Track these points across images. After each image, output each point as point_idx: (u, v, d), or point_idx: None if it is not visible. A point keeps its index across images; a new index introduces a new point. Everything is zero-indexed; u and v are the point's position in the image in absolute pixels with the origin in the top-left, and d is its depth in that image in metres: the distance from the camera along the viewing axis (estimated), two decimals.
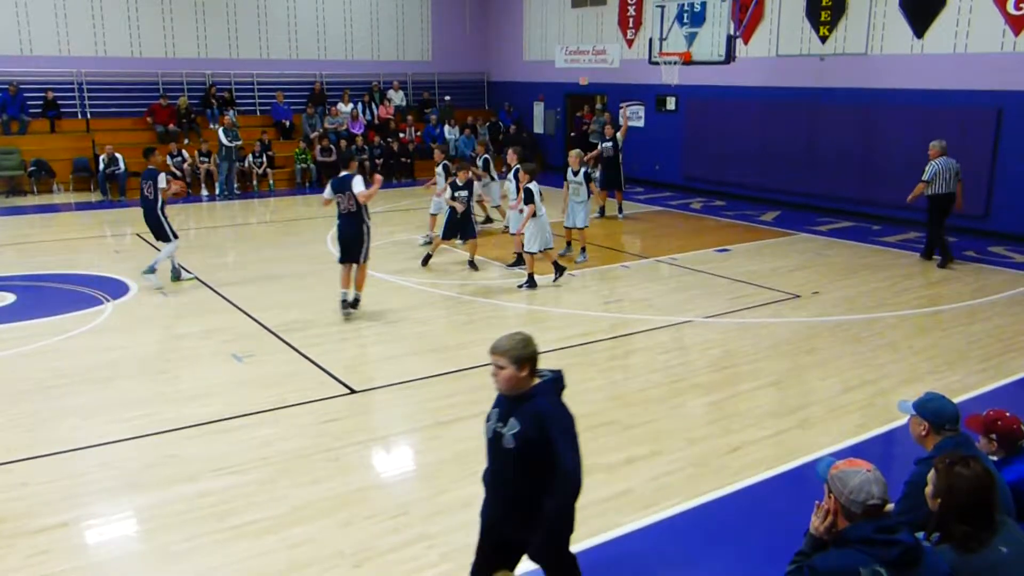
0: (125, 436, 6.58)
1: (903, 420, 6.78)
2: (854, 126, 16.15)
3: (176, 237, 11.39)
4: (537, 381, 3.96)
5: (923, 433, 4.06)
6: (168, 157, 18.99)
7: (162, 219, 11.19)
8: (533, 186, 10.99)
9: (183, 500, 5.59)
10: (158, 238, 11.41)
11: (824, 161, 16.75)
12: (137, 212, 17.02)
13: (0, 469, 6.03)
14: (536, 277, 11.25)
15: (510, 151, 13.40)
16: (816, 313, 10.08)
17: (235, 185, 19.55)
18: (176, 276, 11.44)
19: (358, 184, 9.70)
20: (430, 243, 13.16)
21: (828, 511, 3.19)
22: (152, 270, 11.06)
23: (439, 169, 13.96)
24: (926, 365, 8.30)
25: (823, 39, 16.72)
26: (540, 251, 11.18)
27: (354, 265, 9.89)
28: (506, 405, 3.98)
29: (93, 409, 7.15)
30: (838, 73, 16.46)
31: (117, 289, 10.95)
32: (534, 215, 10.96)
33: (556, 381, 3.99)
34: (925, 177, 12.51)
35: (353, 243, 9.82)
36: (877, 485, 3.10)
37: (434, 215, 13.85)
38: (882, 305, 10.53)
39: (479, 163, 15.07)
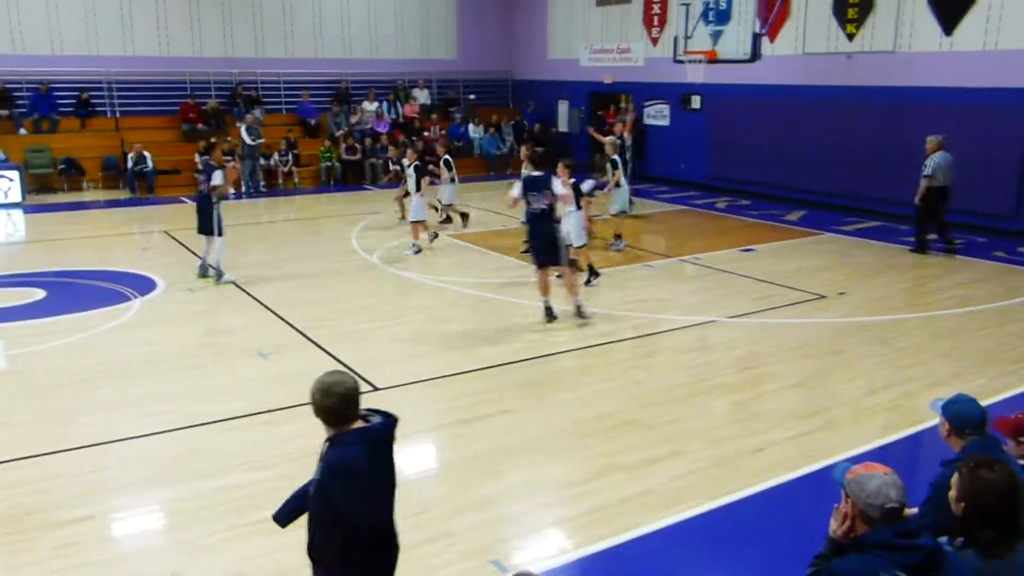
0: (151, 431, 6.66)
1: (929, 423, 6.73)
2: (881, 125, 15.98)
3: (223, 233, 11.33)
4: (354, 427, 3.46)
5: (945, 434, 4.05)
6: (196, 155, 19.17)
7: (215, 214, 11.14)
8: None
9: (208, 494, 5.65)
10: (206, 232, 11.30)
11: (850, 160, 16.59)
12: (165, 209, 17.39)
13: (29, 462, 6.13)
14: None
15: (522, 149, 13.19)
16: (842, 314, 9.99)
17: (261, 183, 19.71)
18: (204, 273, 11.53)
19: (559, 186, 9.36)
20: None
21: (846, 515, 3.17)
22: (220, 274, 11.25)
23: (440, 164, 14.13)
24: (954, 367, 8.20)
25: (850, 37, 16.56)
26: (582, 246, 11.14)
27: (552, 269, 9.43)
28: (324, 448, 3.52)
29: (120, 404, 7.24)
30: (865, 71, 16.30)
31: (144, 285, 11.08)
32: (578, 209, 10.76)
33: (372, 431, 3.47)
34: (928, 172, 12.76)
35: (550, 245, 9.34)
36: (895, 489, 3.07)
37: (417, 222, 13.21)
38: (910, 306, 10.42)
39: (440, 163, 15.06)
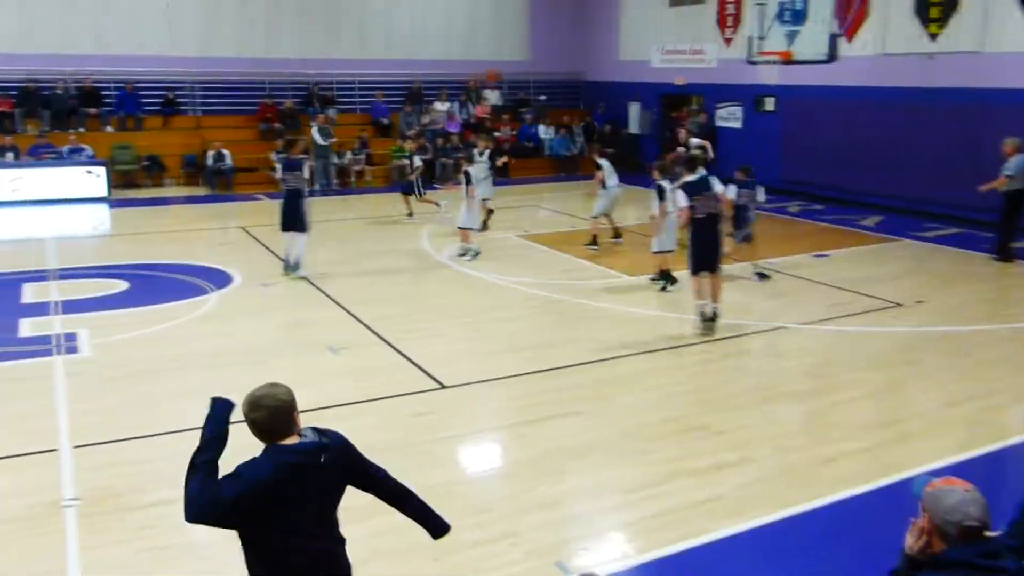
0: None
1: (1013, 440, 6.52)
2: (965, 127, 15.46)
3: (308, 230, 11.55)
4: (286, 442, 3.32)
5: None
6: (273, 153, 19.64)
7: (303, 209, 11.34)
8: (667, 183, 10.90)
9: None
10: (293, 228, 11.44)
11: (932, 164, 16.10)
12: (242, 205, 17.83)
13: (114, 446, 6.36)
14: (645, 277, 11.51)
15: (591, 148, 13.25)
16: (919, 323, 9.71)
17: (334, 181, 20.07)
18: (291, 269, 11.69)
19: (718, 185, 9.27)
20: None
21: (923, 530, 3.07)
22: (296, 267, 11.52)
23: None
24: None
25: (932, 36, 16.06)
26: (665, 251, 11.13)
27: (710, 274, 9.21)
28: None
29: (197, 393, 7.39)
30: (948, 72, 15.79)
31: (221, 279, 11.39)
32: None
33: (290, 449, 3.29)
34: (1010, 172, 12.53)
35: (715, 250, 9.19)
36: (975, 506, 2.96)
37: (465, 229, 13.00)
38: (993, 316, 10.07)
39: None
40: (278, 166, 12.39)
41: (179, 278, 11.48)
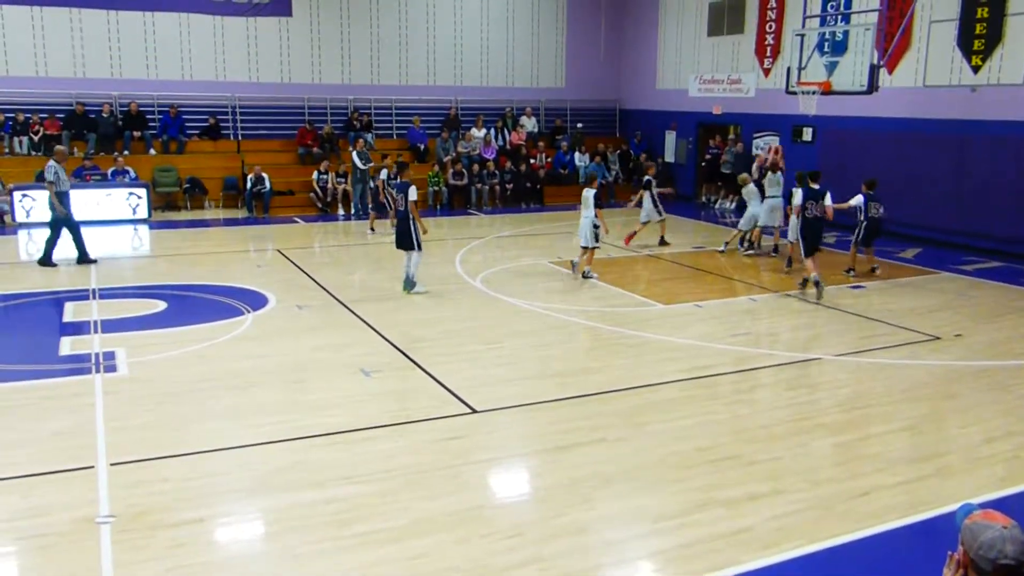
0: (259, 440, 6.91)
1: None
2: (1007, 160, 15.28)
3: (421, 248, 12.01)
4: None
5: None
6: (315, 174, 20.06)
7: (412, 229, 11.81)
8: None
9: (309, 505, 5.82)
10: (405, 247, 11.99)
11: (972, 197, 15.91)
12: (280, 228, 18.10)
13: (146, 464, 6.44)
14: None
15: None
16: (958, 357, 9.55)
17: (370, 205, 20.28)
18: (410, 286, 12.03)
19: (829, 199, 12.53)
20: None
21: (959, 563, 3.02)
22: (413, 284, 11.98)
23: None
24: None
25: (975, 69, 15.94)
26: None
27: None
28: None
29: (232, 413, 7.55)
30: (991, 104, 15.63)
31: (257, 301, 11.53)
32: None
33: None
34: None
35: (819, 241, 12.69)
36: (1013, 544, 2.90)
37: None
38: None
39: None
40: (392, 190, 13.14)
41: (216, 299, 11.65)
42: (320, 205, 20.22)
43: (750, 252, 15.51)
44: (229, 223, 18.91)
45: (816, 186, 12.57)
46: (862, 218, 13.65)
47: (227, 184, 20.60)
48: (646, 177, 16.28)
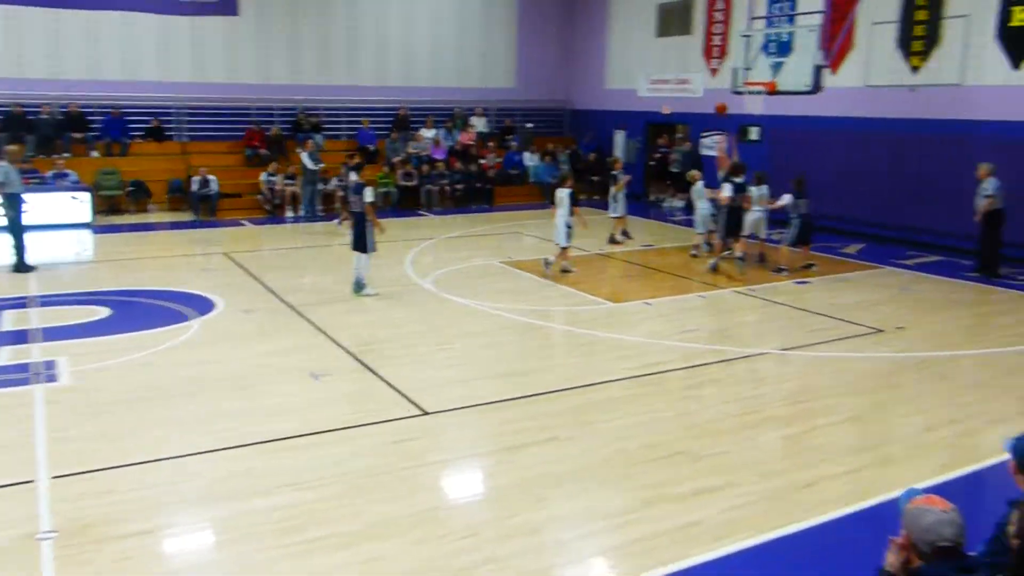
0: (207, 448, 6.80)
1: (991, 461, 6.57)
2: (945, 158, 15.69)
3: (375, 250, 12.01)
4: None
5: (1012, 472, 3.95)
6: (264, 175, 19.81)
7: (367, 231, 11.80)
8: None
9: (259, 513, 5.74)
10: (359, 248, 11.93)
11: (913, 193, 16.30)
12: (227, 231, 17.83)
13: (90, 476, 6.29)
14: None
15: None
16: (900, 349, 9.78)
17: (318, 207, 20.12)
18: (360, 289, 11.98)
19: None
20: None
21: (902, 547, 3.11)
22: (363, 286, 11.95)
23: None
24: (1017, 405, 7.97)
25: (915, 69, 16.33)
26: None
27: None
28: None
29: (177, 421, 7.41)
30: (929, 103, 16.03)
31: (204, 306, 11.34)
32: None
33: None
34: (990, 192, 13.28)
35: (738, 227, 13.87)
36: (951, 527, 3.00)
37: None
38: (972, 342, 10.17)
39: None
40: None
41: (162, 304, 11.43)
42: (268, 207, 19.96)
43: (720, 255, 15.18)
44: (175, 226, 18.58)
45: (740, 180, 13.76)
46: (794, 216, 13.88)
47: (172, 187, 20.22)
48: (613, 172, 16.45)
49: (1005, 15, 14.73)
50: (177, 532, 5.62)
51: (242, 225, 18.68)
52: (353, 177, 12.52)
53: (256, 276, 13.20)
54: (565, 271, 13.54)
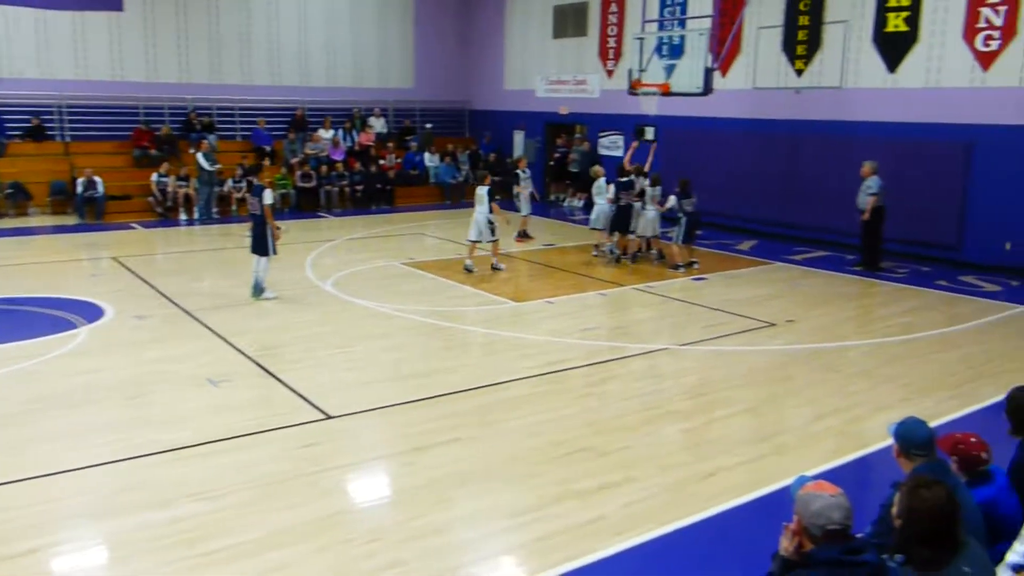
0: (98, 461, 6.53)
1: (876, 446, 6.91)
2: (829, 157, 16.40)
3: (275, 253, 11.73)
4: None
5: (896, 455, 4.17)
6: (155, 176, 19.13)
7: (268, 234, 11.54)
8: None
9: (156, 526, 5.55)
10: (259, 252, 11.66)
11: (800, 191, 16.98)
12: (115, 235, 17.16)
13: None
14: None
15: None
16: (791, 341, 10.18)
17: (214, 209, 19.56)
18: (259, 292, 11.70)
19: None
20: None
21: (795, 532, 3.25)
22: (262, 290, 11.67)
23: None
24: (899, 392, 8.40)
25: (799, 72, 17.02)
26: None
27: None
28: None
29: (66, 434, 7.09)
30: (814, 105, 16.75)
31: (92, 313, 10.88)
32: None
33: None
34: (875, 191, 13.90)
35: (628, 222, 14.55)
36: (839, 511, 3.15)
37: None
38: (857, 333, 10.67)
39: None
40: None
41: (46, 312, 10.91)
42: (160, 210, 19.29)
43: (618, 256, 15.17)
44: (58, 230, 17.75)
45: (624, 179, 14.43)
46: (681, 215, 14.24)
47: (55, 189, 19.31)
48: (517, 171, 16.65)
49: (881, 21, 15.51)
50: (69, 549, 5.37)
51: (132, 228, 18.00)
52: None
53: (148, 281, 12.74)
54: (495, 268, 13.82)
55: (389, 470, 6.69)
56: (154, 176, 19.26)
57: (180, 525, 5.56)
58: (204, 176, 19.05)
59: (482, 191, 13.79)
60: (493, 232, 13.72)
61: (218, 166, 19.29)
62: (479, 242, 13.79)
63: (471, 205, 14.46)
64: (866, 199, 14.07)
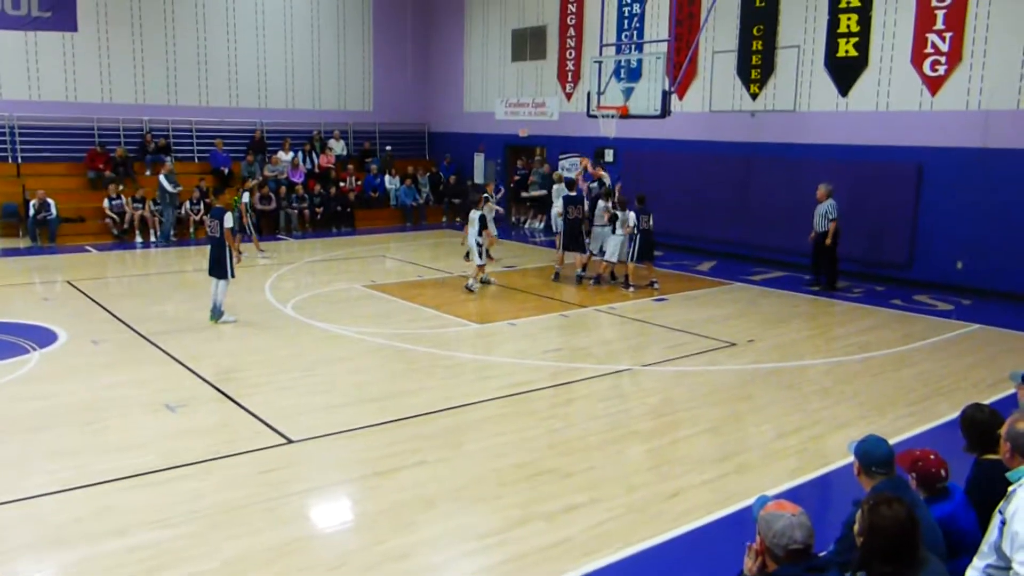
0: (51, 489, 6.35)
1: (837, 464, 6.99)
2: (784, 179, 16.69)
3: (233, 276, 11.61)
4: None
5: (856, 473, 4.22)
6: (106, 201, 18.84)
7: (226, 256, 11.42)
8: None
9: (112, 555, 5.41)
10: (217, 275, 11.53)
11: (757, 213, 17.24)
12: (69, 258, 16.84)
13: None
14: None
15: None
16: (751, 360, 10.29)
17: (171, 232, 19.30)
18: (218, 315, 11.55)
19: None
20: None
21: (758, 552, 3.27)
22: (220, 313, 11.53)
23: None
24: (857, 410, 8.52)
25: (753, 96, 17.34)
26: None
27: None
28: None
29: (18, 461, 6.90)
30: (768, 128, 17.06)
31: (45, 337, 10.65)
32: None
33: None
34: (835, 216, 14.25)
35: (579, 238, 14.91)
36: (800, 530, 3.19)
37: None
38: (815, 352, 10.83)
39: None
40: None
41: None
42: (116, 232, 18.99)
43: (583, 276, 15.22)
44: (9, 253, 17.38)
45: (573, 193, 14.96)
46: (635, 232, 14.34)
47: (6, 211, 18.92)
48: (485, 195, 16.54)
49: (832, 46, 15.88)
50: None
51: (87, 251, 17.69)
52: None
53: (103, 305, 12.51)
54: (485, 283, 14.43)
55: (352, 494, 6.61)
56: (105, 201, 18.94)
57: (139, 554, 5.43)
58: (167, 198, 18.81)
59: (474, 215, 14.09)
60: (481, 255, 14.05)
61: (180, 188, 19.07)
62: (484, 265, 14.21)
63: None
64: (826, 223, 14.28)
